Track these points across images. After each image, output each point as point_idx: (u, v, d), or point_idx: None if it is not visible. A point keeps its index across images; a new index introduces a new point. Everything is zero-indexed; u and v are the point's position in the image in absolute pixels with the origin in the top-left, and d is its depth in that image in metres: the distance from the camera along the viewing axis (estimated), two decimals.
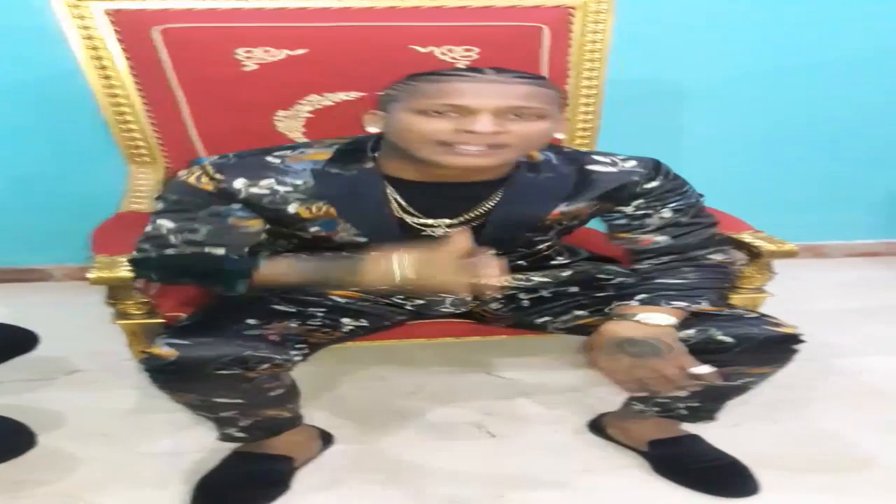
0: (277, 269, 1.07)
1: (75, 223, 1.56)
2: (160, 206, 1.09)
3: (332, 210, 1.10)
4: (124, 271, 1.14)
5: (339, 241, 1.13)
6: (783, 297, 1.36)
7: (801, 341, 1.13)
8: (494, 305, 1.29)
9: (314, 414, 1.44)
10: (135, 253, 1.09)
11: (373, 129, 1.08)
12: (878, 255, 2.50)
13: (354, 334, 1.23)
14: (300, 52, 1.49)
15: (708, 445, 1.36)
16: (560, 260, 1.30)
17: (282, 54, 1.49)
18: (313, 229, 1.12)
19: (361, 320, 1.23)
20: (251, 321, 1.10)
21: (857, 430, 1.49)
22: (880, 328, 1.96)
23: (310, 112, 1.57)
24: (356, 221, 1.11)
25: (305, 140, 1.57)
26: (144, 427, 1.47)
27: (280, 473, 1.31)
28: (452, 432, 1.49)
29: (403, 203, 1.12)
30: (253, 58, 1.49)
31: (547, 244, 1.25)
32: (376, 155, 1.11)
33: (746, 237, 1.34)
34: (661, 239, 1.16)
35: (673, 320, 1.09)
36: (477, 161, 1.00)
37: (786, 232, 1.33)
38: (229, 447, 1.31)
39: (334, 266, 1.08)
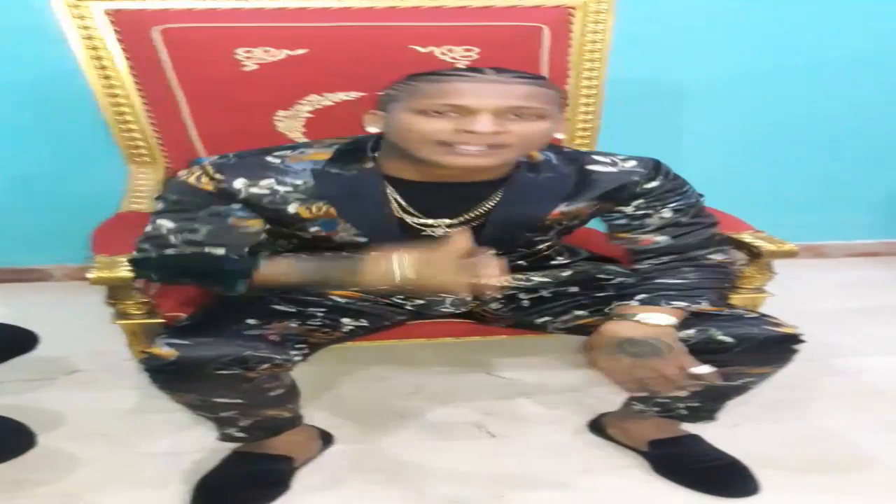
0: (277, 269, 1.07)
1: (75, 223, 1.56)
2: (160, 206, 1.09)
3: (332, 210, 1.10)
4: (124, 271, 1.14)
5: (339, 241, 1.13)
6: (783, 297, 1.36)
7: (802, 341, 1.13)
8: (494, 305, 1.29)
9: (314, 414, 1.44)
10: (135, 253, 1.09)
11: (373, 129, 1.08)
12: (878, 255, 2.50)
13: (354, 334, 1.23)
14: (300, 52, 1.49)
15: (708, 445, 1.36)
16: (560, 260, 1.29)
17: (282, 54, 1.49)
18: (313, 229, 1.12)
19: (361, 320, 1.23)
20: (251, 321, 1.10)
21: (857, 430, 1.49)
22: (880, 328, 1.96)
23: (310, 112, 1.57)
24: (356, 221, 1.11)
25: (305, 140, 1.57)
26: (144, 427, 1.47)
27: (280, 473, 1.31)
28: (452, 432, 1.49)
29: (403, 203, 1.12)
30: (253, 58, 1.49)
31: (547, 244, 1.25)
32: (376, 155, 1.11)
33: (746, 237, 1.34)
34: (661, 239, 1.16)
35: (673, 320, 1.09)
36: (477, 161, 1.00)
37: (786, 232, 1.33)
38: (229, 447, 1.31)
39: (334, 266, 1.07)
